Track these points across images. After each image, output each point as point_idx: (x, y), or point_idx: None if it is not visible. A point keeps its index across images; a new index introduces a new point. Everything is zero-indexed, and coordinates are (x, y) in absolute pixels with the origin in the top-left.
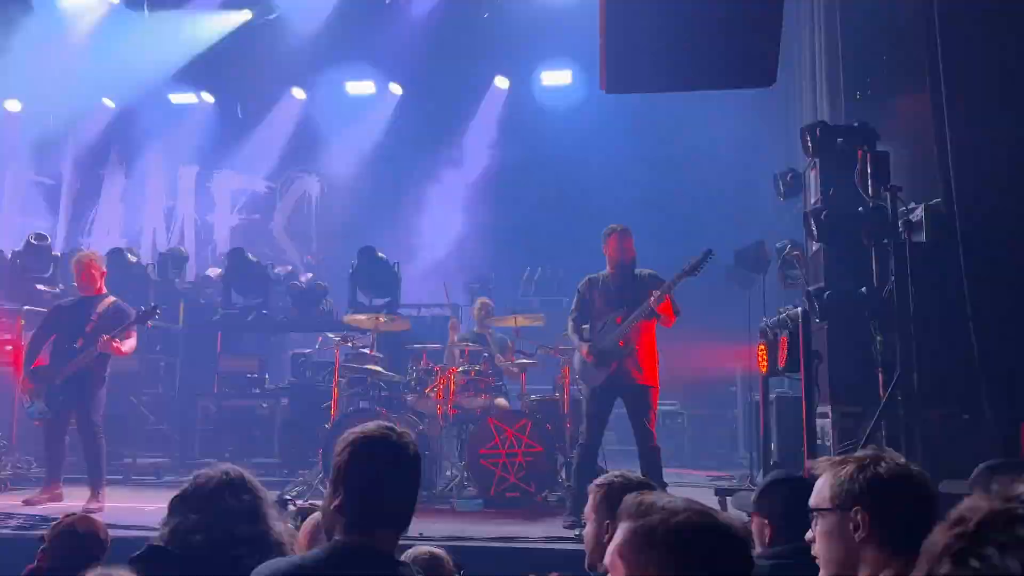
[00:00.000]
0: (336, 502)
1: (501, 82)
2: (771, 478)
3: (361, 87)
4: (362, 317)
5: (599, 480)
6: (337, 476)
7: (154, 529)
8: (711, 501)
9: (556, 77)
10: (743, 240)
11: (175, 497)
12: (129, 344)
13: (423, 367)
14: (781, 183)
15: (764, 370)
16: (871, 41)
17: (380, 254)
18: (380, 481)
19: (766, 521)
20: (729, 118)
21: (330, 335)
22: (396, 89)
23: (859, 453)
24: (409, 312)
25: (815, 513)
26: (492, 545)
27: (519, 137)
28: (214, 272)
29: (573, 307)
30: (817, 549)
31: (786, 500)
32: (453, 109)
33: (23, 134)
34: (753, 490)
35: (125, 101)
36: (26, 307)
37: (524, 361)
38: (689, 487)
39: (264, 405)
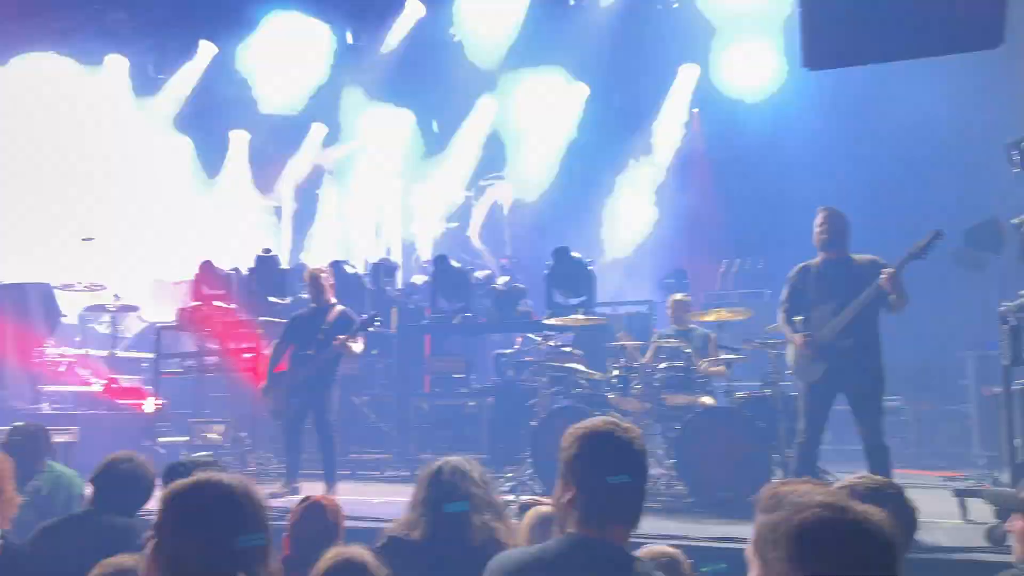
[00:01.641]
0: (567, 496)
1: (690, 70)
2: None
3: (548, 89)
4: (559, 318)
5: (841, 483)
6: (566, 471)
7: (382, 520)
8: (947, 503)
9: (748, 59)
10: (969, 218)
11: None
12: (359, 345)
13: (624, 364)
14: (1016, 153)
15: (1007, 360)
16: None
17: (574, 253)
18: (607, 475)
19: None
20: (942, 85)
21: (530, 335)
22: (583, 88)
23: None
24: (605, 310)
25: None
26: (713, 546)
27: (711, 125)
28: (420, 279)
29: (783, 298)
30: None
31: None
32: (641, 103)
33: (247, 158)
34: (1003, 489)
35: (333, 123)
36: (262, 318)
37: (729, 357)
38: (920, 488)
39: (471, 404)
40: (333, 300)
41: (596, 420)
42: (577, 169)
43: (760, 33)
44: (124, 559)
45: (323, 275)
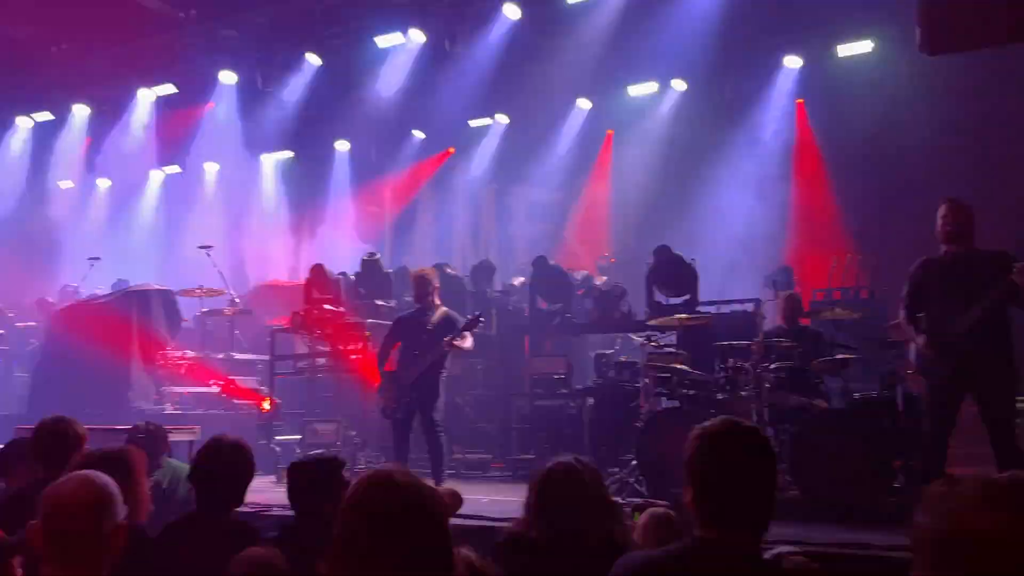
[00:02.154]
0: (688, 497)
1: (792, 61)
2: None
3: (643, 88)
4: (664, 317)
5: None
6: (687, 472)
7: (491, 519)
8: None
9: (855, 48)
10: None
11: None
12: (468, 342)
13: (732, 365)
14: None
15: None
16: None
17: (676, 252)
18: (727, 476)
19: None
20: None
21: (632, 336)
22: (680, 85)
23: None
24: (709, 308)
25: None
26: (835, 551)
27: (818, 116)
28: (517, 280)
29: (905, 293)
30: None
31: None
32: (742, 97)
33: (353, 170)
34: None
35: (431, 131)
36: (369, 320)
37: (844, 356)
38: None
39: (571, 404)
40: (438, 302)
41: (717, 420)
42: (675, 165)
43: (866, 21)
44: (257, 552)
45: (429, 277)
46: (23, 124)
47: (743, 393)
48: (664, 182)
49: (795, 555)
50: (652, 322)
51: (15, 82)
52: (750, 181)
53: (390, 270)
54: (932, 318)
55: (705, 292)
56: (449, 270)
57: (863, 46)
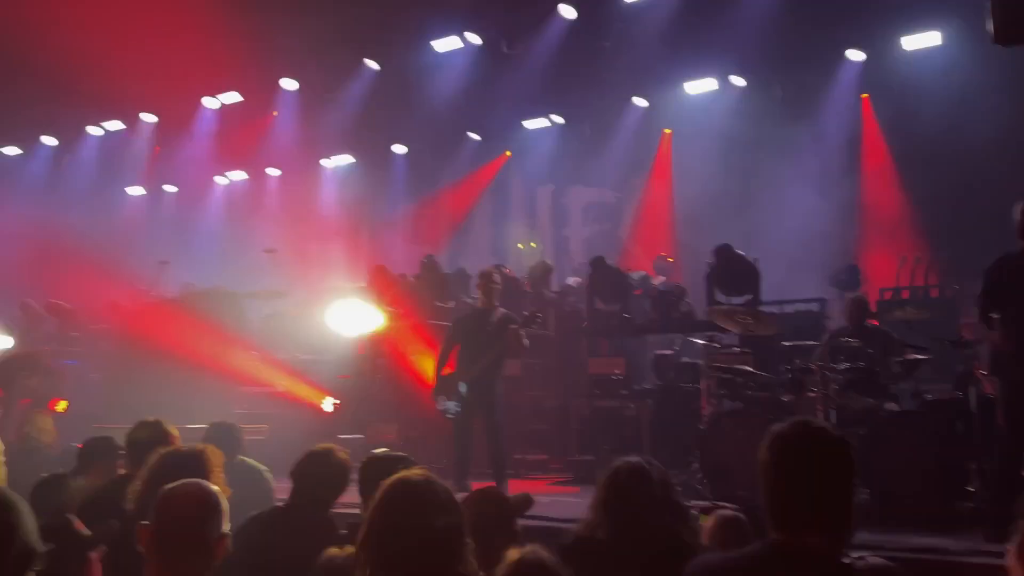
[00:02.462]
0: (763, 500)
1: (855, 55)
2: None
3: (702, 85)
4: (725, 317)
5: None
6: (762, 474)
7: (554, 520)
8: None
9: (921, 40)
10: None
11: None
12: (525, 341)
13: (798, 366)
14: None
15: None
16: None
17: (738, 251)
18: (803, 478)
19: None
20: None
21: (692, 337)
22: (738, 81)
23: None
24: (772, 309)
25: None
26: (910, 556)
27: (883, 110)
28: (574, 281)
29: (980, 292)
30: None
31: None
32: (804, 92)
33: (410, 173)
34: None
35: (487, 133)
36: (430, 321)
37: (915, 357)
38: None
39: (631, 406)
40: (496, 303)
41: (793, 421)
42: (735, 163)
43: (932, 13)
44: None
45: (494, 278)
46: (94, 133)
47: (809, 395)
48: (724, 180)
49: (873, 559)
50: (713, 320)
51: (86, 92)
52: (813, 178)
53: (448, 272)
54: (1009, 317)
55: (768, 292)
56: (506, 271)
57: (930, 38)
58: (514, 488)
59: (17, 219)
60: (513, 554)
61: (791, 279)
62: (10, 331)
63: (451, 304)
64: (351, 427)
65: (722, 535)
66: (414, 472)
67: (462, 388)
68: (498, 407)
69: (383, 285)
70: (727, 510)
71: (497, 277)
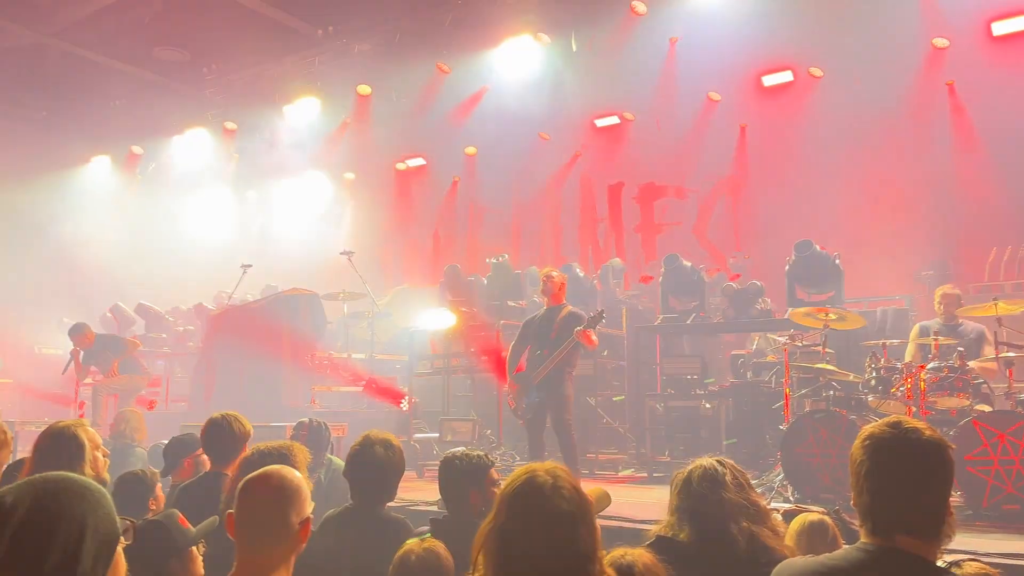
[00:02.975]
0: (855, 502)
1: (940, 42)
2: None
3: (778, 77)
4: (806, 315)
5: None
6: (854, 476)
7: (631, 519)
8: None
9: (1011, 25)
10: None
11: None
12: (592, 339)
13: (884, 365)
14: None
15: None
16: None
17: (818, 246)
18: (893, 480)
19: None
20: None
21: (770, 335)
22: (816, 72)
23: None
24: (855, 305)
25: None
26: (1004, 562)
27: (972, 97)
28: (647, 279)
29: None
30: None
31: None
32: (887, 81)
33: (481, 174)
34: None
35: (557, 132)
36: (502, 321)
37: (1007, 355)
38: None
39: (707, 405)
40: (564, 301)
41: (887, 421)
42: (814, 155)
43: None
44: (416, 544)
45: (555, 277)
46: (179, 141)
47: (896, 394)
48: (802, 174)
49: (970, 563)
50: (795, 318)
51: (173, 103)
52: (898, 168)
53: (519, 272)
54: None
55: (851, 288)
56: (577, 271)
57: (1019, 23)
58: (588, 488)
59: (107, 224)
60: (625, 555)
61: (876, 274)
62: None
63: (523, 303)
64: (427, 426)
65: (807, 538)
66: (543, 469)
67: (532, 387)
68: (567, 405)
69: (454, 286)
70: (811, 512)
71: (558, 277)
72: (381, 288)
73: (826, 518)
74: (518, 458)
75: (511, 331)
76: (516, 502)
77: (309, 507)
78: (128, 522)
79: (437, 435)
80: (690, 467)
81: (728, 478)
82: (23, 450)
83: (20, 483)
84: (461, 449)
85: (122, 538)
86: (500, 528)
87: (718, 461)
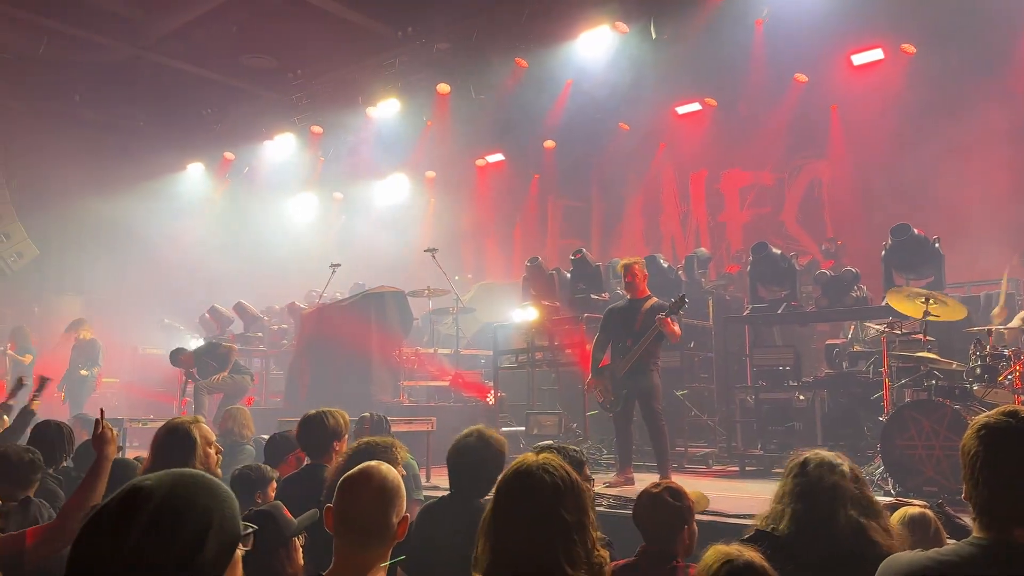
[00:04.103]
0: (969, 495)
1: None
2: None
3: (868, 56)
4: (905, 302)
5: None
6: (966, 468)
7: (725, 514)
8: None
9: None
10: None
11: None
12: (676, 328)
13: (990, 352)
14: None
15: None
16: None
17: (915, 230)
18: (1010, 472)
19: None
20: None
21: (867, 323)
22: (909, 48)
23: None
24: (957, 291)
25: None
26: None
27: None
28: (733, 269)
29: None
30: None
31: None
32: (984, 56)
33: (560, 167)
34: None
35: (637, 121)
36: (585, 314)
37: None
38: None
39: (801, 397)
40: (647, 292)
41: (1002, 410)
42: (909, 136)
43: None
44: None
45: (636, 268)
46: (268, 145)
47: (1004, 382)
48: (897, 155)
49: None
50: (894, 305)
51: (261, 108)
52: (1000, 148)
53: (600, 264)
54: None
55: (952, 272)
56: (662, 261)
57: None
58: (679, 481)
59: (203, 228)
60: (716, 555)
61: (978, 258)
62: (200, 333)
63: (606, 295)
64: (513, 420)
65: (908, 532)
66: (535, 455)
67: (619, 379)
68: (654, 396)
69: (536, 279)
70: (912, 505)
71: (639, 269)
72: (464, 284)
73: (927, 511)
74: (605, 452)
75: (594, 324)
76: (506, 481)
77: (404, 507)
78: (251, 529)
79: (523, 428)
80: (807, 454)
81: (846, 468)
82: (130, 446)
83: (159, 473)
84: (545, 443)
85: (242, 543)
86: (493, 507)
87: (835, 453)
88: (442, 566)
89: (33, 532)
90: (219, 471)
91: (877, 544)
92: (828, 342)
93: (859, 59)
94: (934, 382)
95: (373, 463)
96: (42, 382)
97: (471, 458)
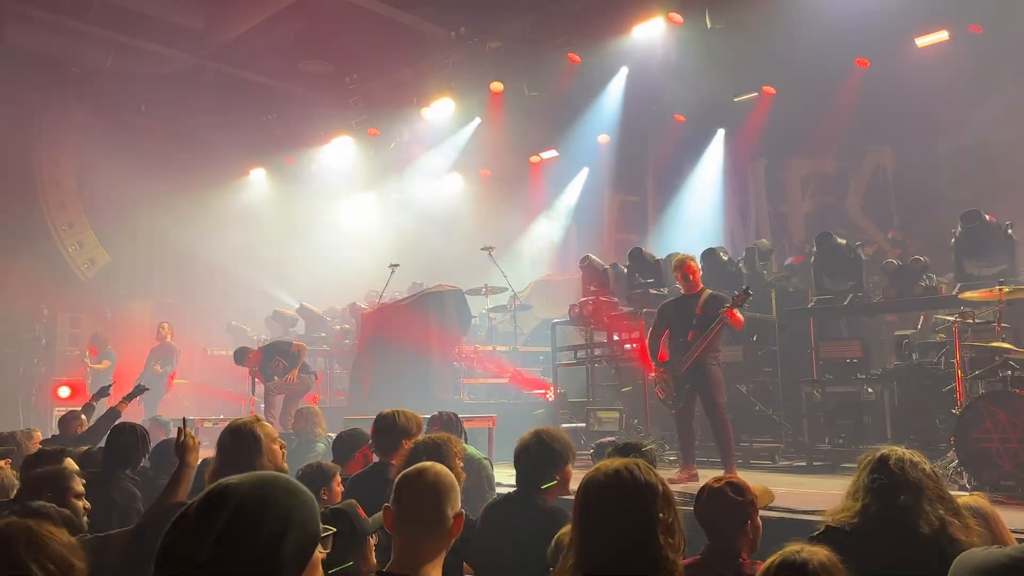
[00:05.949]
0: None
1: None
2: None
3: (933, 37)
4: (976, 291)
5: None
6: None
7: (793, 510)
8: None
9: None
10: None
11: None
12: (739, 317)
13: None
14: None
15: None
16: None
17: (987, 216)
18: None
19: None
20: None
21: (938, 314)
22: (976, 30)
23: None
24: None
25: None
26: None
27: None
28: (795, 260)
29: None
30: None
31: None
32: None
33: (616, 161)
34: None
35: (694, 112)
36: (644, 309)
37: None
38: None
39: (870, 390)
40: (701, 285)
41: None
42: (979, 119)
43: None
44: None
45: (690, 263)
46: (327, 149)
47: None
48: (965, 139)
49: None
50: (966, 296)
51: (320, 113)
52: None
53: (658, 259)
54: None
55: None
56: (722, 255)
57: None
58: (744, 477)
59: (266, 231)
60: (800, 552)
61: None
62: (266, 334)
63: (664, 290)
64: (572, 415)
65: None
66: (618, 460)
67: (681, 375)
68: (716, 390)
69: (594, 275)
70: (967, 498)
71: (694, 264)
72: (521, 281)
73: (983, 502)
74: (667, 447)
75: (653, 319)
76: (596, 484)
77: (459, 503)
78: (331, 532)
79: (583, 424)
80: (884, 449)
81: (927, 466)
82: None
83: (244, 475)
84: (607, 439)
85: (321, 545)
86: (582, 510)
87: (912, 450)
88: (506, 560)
89: (118, 536)
90: (285, 465)
91: (959, 542)
92: (897, 333)
93: (923, 41)
94: (1010, 373)
95: (427, 463)
96: (138, 390)
97: (531, 459)
